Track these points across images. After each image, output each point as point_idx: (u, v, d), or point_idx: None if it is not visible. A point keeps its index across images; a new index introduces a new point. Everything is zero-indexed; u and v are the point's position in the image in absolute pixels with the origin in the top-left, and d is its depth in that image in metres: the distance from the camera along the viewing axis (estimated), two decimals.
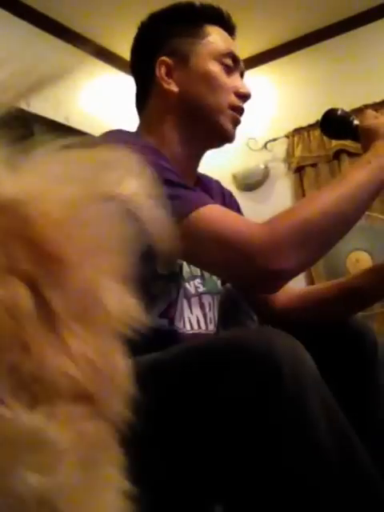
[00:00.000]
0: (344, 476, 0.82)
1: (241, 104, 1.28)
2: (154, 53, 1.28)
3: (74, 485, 0.40)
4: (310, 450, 0.82)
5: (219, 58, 1.26)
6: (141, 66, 1.32)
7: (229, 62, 1.28)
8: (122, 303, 0.48)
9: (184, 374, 0.92)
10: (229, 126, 1.27)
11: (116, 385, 0.47)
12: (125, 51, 4.12)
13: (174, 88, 1.25)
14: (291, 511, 0.82)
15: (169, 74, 1.26)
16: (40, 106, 3.70)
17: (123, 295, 0.49)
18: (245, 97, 1.29)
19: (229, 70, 1.28)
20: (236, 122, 1.28)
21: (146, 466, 0.99)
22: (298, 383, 0.83)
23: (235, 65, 1.29)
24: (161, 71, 1.26)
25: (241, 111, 1.29)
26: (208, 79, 1.25)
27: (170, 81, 1.25)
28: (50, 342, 0.39)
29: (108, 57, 4.25)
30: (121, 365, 0.49)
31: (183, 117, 1.26)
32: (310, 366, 0.87)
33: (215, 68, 1.26)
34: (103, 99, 4.22)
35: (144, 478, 1.00)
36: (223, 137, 1.28)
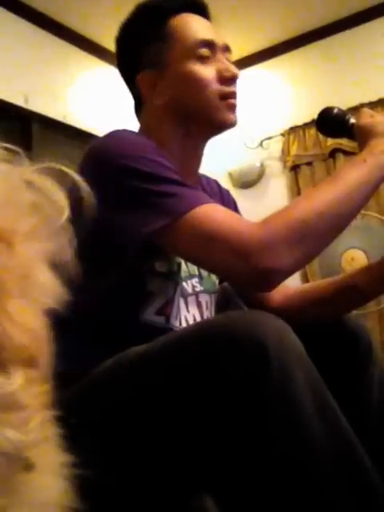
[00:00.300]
0: (330, 451, 0.83)
1: (229, 89, 1.24)
2: (133, 71, 1.27)
3: (41, 440, 0.50)
4: (297, 427, 0.83)
5: (191, 52, 1.22)
6: (127, 81, 1.32)
7: (202, 51, 1.23)
8: (50, 282, 0.56)
9: (171, 358, 0.94)
10: (226, 114, 1.24)
11: (48, 351, 0.52)
12: None
13: (160, 100, 1.24)
14: (280, 490, 0.82)
15: (152, 87, 1.25)
16: (38, 103, 3.71)
17: (51, 275, 0.56)
18: (231, 79, 1.24)
19: (206, 59, 1.23)
20: (231, 108, 1.25)
21: (135, 453, 1.00)
22: (283, 362, 0.84)
23: (212, 50, 1.25)
24: (144, 88, 1.26)
25: (232, 95, 1.25)
26: (187, 80, 1.22)
27: (154, 94, 1.24)
28: (4, 315, 0.45)
29: (107, 55, 4.25)
30: (47, 334, 0.54)
31: (177, 122, 1.25)
32: (296, 345, 0.88)
33: (190, 66, 1.22)
34: (102, 97, 4.23)
35: (133, 465, 1.02)
36: (224, 127, 1.26)
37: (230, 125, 1.26)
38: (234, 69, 1.25)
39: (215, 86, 1.22)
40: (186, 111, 1.24)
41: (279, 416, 0.83)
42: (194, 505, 1.10)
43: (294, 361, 0.86)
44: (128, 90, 1.34)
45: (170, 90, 1.24)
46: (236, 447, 0.85)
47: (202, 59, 1.23)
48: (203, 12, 1.30)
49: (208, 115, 1.23)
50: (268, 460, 0.83)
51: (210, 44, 1.24)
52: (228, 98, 1.24)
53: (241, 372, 0.84)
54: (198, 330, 0.96)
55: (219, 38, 1.27)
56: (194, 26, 1.26)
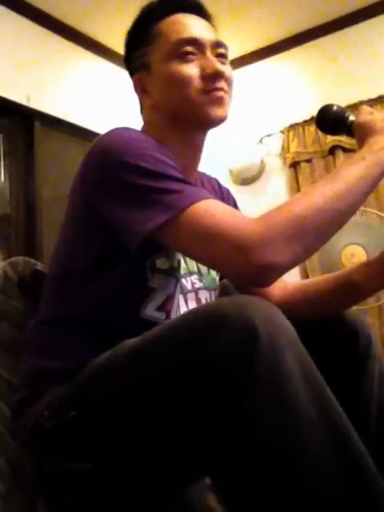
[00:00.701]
0: (321, 433, 0.83)
1: (212, 85, 1.22)
2: (131, 73, 1.32)
3: None
4: (287, 408, 0.83)
5: (173, 53, 1.22)
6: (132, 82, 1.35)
7: (187, 49, 1.22)
8: None
9: (164, 346, 0.95)
10: (210, 109, 1.21)
11: None
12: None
13: (150, 101, 1.27)
14: (270, 471, 0.83)
15: (144, 89, 1.28)
16: (40, 101, 3.72)
17: None
18: (213, 75, 1.22)
19: (189, 57, 1.22)
20: (216, 102, 1.22)
21: (133, 443, 1.01)
22: (273, 342, 0.85)
23: (196, 46, 1.23)
24: (138, 89, 1.29)
25: (216, 90, 1.22)
26: (169, 81, 1.22)
27: (146, 95, 1.28)
28: None
29: (109, 54, 4.27)
30: None
31: (169, 121, 1.26)
32: (286, 327, 0.89)
33: (172, 66, 1.22)
34: (103, 96, 4.25)
35: (130, 456, 1.02)
36: (210, 122, 1.24)
37: (218, 119, 1.23)
38: (216, 64, 1.22)
39: (196, 83, 1.21)
40: (173, 110, 1.25)
41: (269, 396, 0.84)
42: (200, 504, 1.11)
43: (284, 342, 0.86)
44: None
45: (156, 90, 1.26)
46: (228, 429, 0.86)
47: (185, 58, 1.22)
48: (198, 11, 1.29)
49: (192, 113, 1.22)
50: (258, 440, 0.83)
51: (193, 42, 1.23)
52: (214, 92, 1.21)
53: (231, 353, 0.85)
54: (189, 316, 0.97)
55: (208, 35, 1.25)
56: (179, 26, 1.25)
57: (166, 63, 1.23)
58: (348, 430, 0.86)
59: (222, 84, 1.22)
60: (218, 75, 1.22)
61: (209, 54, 1.24)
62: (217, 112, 1.22)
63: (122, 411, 1.00)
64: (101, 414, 1.02)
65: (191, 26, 1.25)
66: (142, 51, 1.28)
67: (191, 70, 1.21)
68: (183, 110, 1.23)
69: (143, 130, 1.32)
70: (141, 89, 1.29)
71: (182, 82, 1.21)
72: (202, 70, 1.22)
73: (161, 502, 1.11)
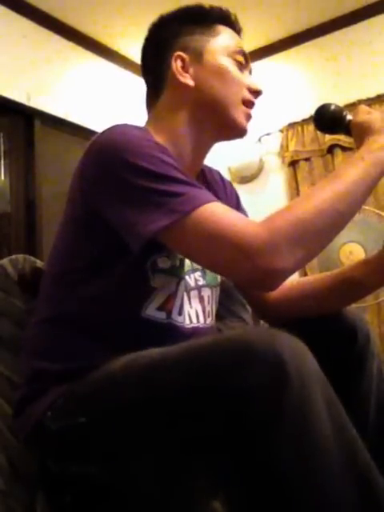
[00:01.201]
0: (345, 476, 0.82)
1: (253, 98, 1.30)
2: (168, 50, 1.29)
3: None
4: (313, 447, 0.82)
5: (231, 54, 1.28)
6: (154, 63, 1.32)
7: (240, 58, 1.30)
8: None
9: (187, 368, 0.93)
10: (243, 120, 1.28)
11: None
12: (124, 48, 4.15)
13: (190, 82, 1.26)
14: (294, 507, 0.81)
15: (184, 68, 1.27)
16: (41, 101, 3.73)
17: None
18: (257, 93, 1.31)
19: (240, 67, 1.29)
20: (249, 117, 1.30)
21: (146, 458, 1.00)
22: (303, 380, 0.83)
23: (246, 63, 1.31)
24: (177, 66, 1.27)
25: (252, 105, 1.31)
26: (222, 74, 1.26)
27: (186, 75, 1.26)
28: None
29: (108, 54, 4.28)
30: None
31: (197, 110, 1.27)
32: (314, 364, 0.87)
33: (228, 63, 1.27)
34: (103, 95, 4.25)
35: (143, 469, 1.02)
36: (237, 131, 1.29)
37: (242, 130, 1.30)
38: (260, 86, 1.31)
39: (243, 90, 1.28)
40: (210, 99, 1.26)
41: (295, 434, 0.82)
42: (202, 507, 1.11)
43: (314, 382, 0.85)
44: (147, 75, 1.36)
45: (202, 74, 1.27)
46: (247, 461, 0.84)
47: (238, 64, 1.29)
48: (239, 34, 1.37)
49: (228, 111, 1.26)
50: (280, 478, 0.82)
51: (246, 57, 1.32)
52: (249, 107, 1.29)
53: (259, 387, 0.83)
54: (214, 344, 0.95)
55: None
56: (237, 38, 1.34)
57: (223, 58, 1.28)
58: (373, 474, 0.85)
59: (254, 101, 1.31)
60: (259, 94, 1.32)
61: (249, 73, 1.33)
62: (245, 124, 1.30)
63: (134, 423, 0.99)
64: (111, 422, 1.01)
65: (243, 45, 1.34)
66: (197, 37, 1.29)
67: (243, 78, 1.30)
68: (221, 105, 1.26)
69: (149, 121, 1.32)
70: (181, 66, 1.27)
71: (235, 82, 1.28)
72: (249, 84, 1.30)
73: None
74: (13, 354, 1.30)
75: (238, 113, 1.27)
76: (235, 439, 0.85)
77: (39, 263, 1.42)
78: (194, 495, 1.09)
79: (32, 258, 1.42)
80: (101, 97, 4.23)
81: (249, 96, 1.29)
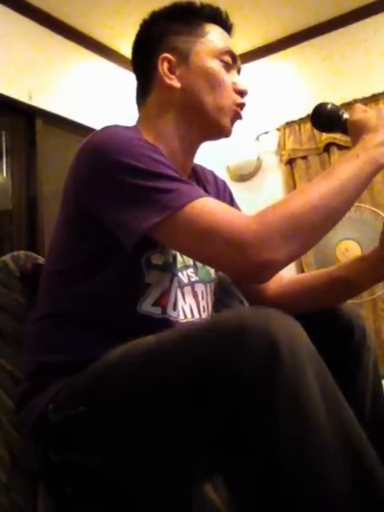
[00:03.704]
0: (339, 450, 0.83)
1: (239, 99, 1.30)
2: (156, 50, 1.29)
3: None
4: (307, 423, 0.82)
5: (218, 55, 1.28)
6: (142, 62, 1.33)
7: (228, 59, 1.29)
8: None
9: (182, 352, 0.94)
10: (227, 122, 1.29)
11: None
12: (124, 48, 4.15)
13: (176, 84, 1.27)
14: (287, 483, 0.82)
15: (171, 70, 1.27)
16: (42, 99, 3.73)
17: None
18: (242, 93, 1.31)
19: (227, 67, 1.29)
20: (236, 118, 1.31)
21: (144, 443, 1.01)
22: (295, 358, 0.84)
23: (233, 62, 1.31)
24: (163, 67, 1.27)
25: (242, 107, 1.31)
26: (208, 76, 1.26)
27: (173, 77, 1.27)
28: None
29: (109, 53, 4.28)
30: None
31: (183, 112, 1.28)
32: (307, 342, 0.88)
33: (215, 65, 1.27)
34: (103, 94, 4.27)
35: (141, 456, 1.03)
36: (220, 132, 1.30)
37: (226, 132, 1.31)
38: (246, 85, 1.31)
39: (230, 92, 1.29)
40: (195, 101, 1.27)
41: (289, 412, 0.82)
42: (198, 495, 1.11)
43: (306, 358, 0.85)
44: (136, 74, 1.36)
45: (188, 76, 1.27)
46: (245, 441, 0.85)
47: (225, 65, 1.29)
48: (230, 33, 1.36)
49: (213, 113, 1.27)
50: (276, 455, 0.82)
51: (234, 57, 1.32)
52: (236, 107, 1.30)
53: (252, 367, 0.84)
54: (208, 325, 0.96)
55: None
56: (225, 38, 1.33)
57: (209, 60, 1.28)
58: (365, 447, 0.85)
59: (243, 102, 1.32)
60: (245, 94, 1.32)
61: (236, 72, 1.33)
62: (230, 126, 1.31)
63: (134, 410, 0.99)
64: (111, 411, 1.02)
65: (232, 44, 1.33)
66: (184, 37, 1.29)
67: (229, 78, 1.30)
68: (207, 107, 1.27)
69: (139, 122, 1.33)
70: (168, 68, 1.28)
71: (221, 84, 1.28)
72: (235, 84, 1.30)
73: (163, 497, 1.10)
74: (15, 348, 1.31)
75: (224, 115, 1.28)
76: (231, 420, 0.85)
77: (41, 260, 1.42)
78: (192, 478, 1.10)
79: (33, 255, 1.43)
80: (101, 96, 4.24)
81: (237, 98, 1.30)
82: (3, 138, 3.71)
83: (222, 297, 1.58)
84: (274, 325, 0.86)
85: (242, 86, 1.31)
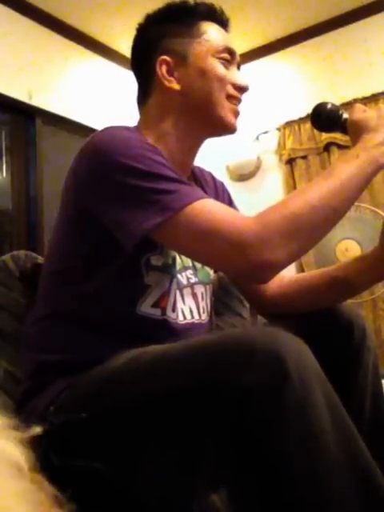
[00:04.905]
0: (345, 470, 0.82)
1: (238, 95, 1.30)
2: (154, 52, 1.29)
3: None
4: (314, 446, 0.82)
5: (216, 53, 1.28)
6: (141, 65, 1.33)
7: (226, 56, 1.29)
8: None
9: (189, 366, 0.93)
10: (230, 117, 1.28)
11: None
12: (124, 47, 4.16)
13: (176, 85, 1.27)
14: (294, 503, 0.82)
15: (169, 72, 1.27)
16: (42, 99, 3.73)
17: None
18: (242, 88, 1.31)
19: (226, 64, 1.29)
20: (236, 113, 1.30)
21: (146, 455, 0.99)
22: (303, 380, 0.83)
23: (232, 58, 1.31)
24: (162, 70, 1.27)
25: (238, 102, 1.31)
26: (208, 74, 1.26)
27: (171, 79, 1.27)
28: None
29: (109, 53, 4.28)
30: None
31: (183, 113, 1.28)
32: (314, 364, 0.87)
33: (214, 63, 1.27)
34: (103, 94, 4.27)
35: (143, 466, 1.02)
36: (226, 129, 1.30)
37: (230, 127, 1.30)
38: (246, 81, 1.31)
39: (227, 86, 1.28)
40: (196, 101, 1.27)
41: (296, 430, 0.82)
42: (202, 503, 1.10)
43: (313, 378, 0.85)
44: (136, 77, 1.36)
45: (187, 77, 1.27)
46: (250, 456, 0.84)
47: (224, 62, 1.29)
48: (226, 28, 1.36)
49: (215, 112, 1.27)
50: (281, 472, 0.82)
51: (232, 53, 1.31)
52: (233, 102, 1.29)
53: (260, 386, 0.83)
54: (217, 341, 0.95)
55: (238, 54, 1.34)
56: (222, 35, 1.32)
57: (207, 59, 1.27)
58: (372, 469, 0.85)
59: (241, 98, 1.31)
60: (245, 89, 1.31)
61: (236, 68, 1.33)
62: (233, 121, 1.30)
63: (137, 419, 0.98)
64: (114, 418, 1.01)
65: (229, 39, 1.33)
66: (180, 39, 1.29)
67: (228, 75, 1.29)
68: (207, 105, 1.27)
69: (140, 123, 1.33)
70: (166, 70, 1.28)
71: (219, 81, 1.27)
72: (234, 79, 1.29)
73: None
74: (15, 348, 1.31)
75: (224, 110, 1.28)
76: (237, 436, 0.85)
77: (40, 259, 1.43)
78: (195, 490, 1.10)
79: (33, 255, 1.43)
80: (101, 95, 4.25)
81: (234, 92, 1.29)
82: (3, 138, 3.72)
83: (221, 296, 1.58)
84: (282, 345, 0.85)
85: (242, 81, 1.31)
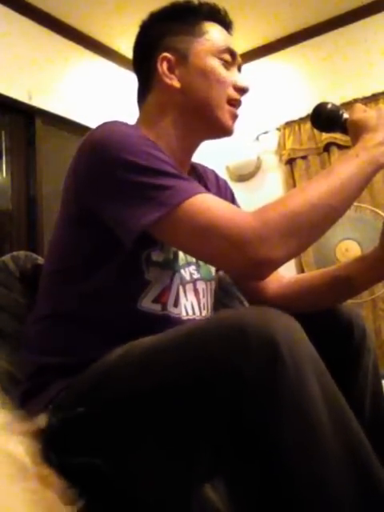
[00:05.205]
0: (340, 451, 0.83)
1: (238, 97, 1.30)
2: (155, 50, 1.29)
3: None
4: (310, 428, 0.82)
5: (217, 54, 1.28)
6: (142, 62, 1.33)
7: (227, 57, 1.29)
8: None
9: (181, 353, 0.94)
10: (228, 120, 1.28)
11: None
12: (124, 47, 4.16)
13: (176, 83, 1.27)
14: (287, 483, 0.82)
15: (170, 69, 1.27)
16: (41, 99, 3.73)
17: None
18: (243, 90, 1.31)
19: (227, 65, 1.29)
20: (234, 116, 1.30)
21: (143, 445, 1.00)
22: (296, 360, 0.84)
23: (233, 59, 1.31)
24: (163, 67, 1.27)
25: (238, 104, 1.31)
26: (208, 74, 1.26)
27: (172, 76, 1.27)
28: None
29: (109, 53, 4.28)
30: None
31: (183, 111, 1.27)
32: (307, 343, 0.88)
33: (214, 63, 1.27)
34: (103, 94, 4.27)
35: (140, 457, 1.02)
36: (222, 131, 1.30)
37: (228, 131, 1.30)
38: (247, 82, 1.31)
39: (228, 88, 1.28)
40: (196, 100, 1.27)
41: (291, 414, 0.82)
42: (199, 496, 1.10)
43: (306, 359, 0.85)
44: (137, 74, 1.36)
45: (188, 76, 1.27)
46: (246, 443, 0.85)
47: (225, 63, 1.29)
48: (229, 30, 1.36)
49: (213, 113, 1.26)
50: (277, 458, 0.82)
51: (233, 54, 1.31)
52: (234, 105, 1.29)
53: (253, 369, 0.84)
54: (208, 325, 0.96)
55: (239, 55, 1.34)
56: (224, 35, 1.32)
57: (208, 58, 1.28)
58: (366, 450, 0.85)
59: (239, 98, 1.31)
60: (246, 91, 1.31)
61: (237, 69, 1.33)
62: (230, 124, 1.30)
63: (134, 411, 0.98)
64: (112, 412, 1.01)
65: (231, 40, 1.33)
66: (182, 37, 1.29)
67: (229, 76, 1.29)
68: (206, 105, 1.27)
69: (140, 120, 1.33)
70: (167, 67, 1.28)
71: (220, 81, 1.27)
72: (235, 81, 1.29)
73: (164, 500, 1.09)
74: (14, 348, 1.31)
75: (224, 114, 1.28)
76: (233, 422, 0.85)
77: (40, 260, 1.42)
78: (193, 482, 1.10)
79: (33, 255, 1.43)
80: (101, 95, 4.25)
81: (234, 94, 1.29)
82: (2, 138, 3.72)
83: (221, 296, 1.58)
84: (274, 325, 0.86)
85: (242, 83, 1.31)
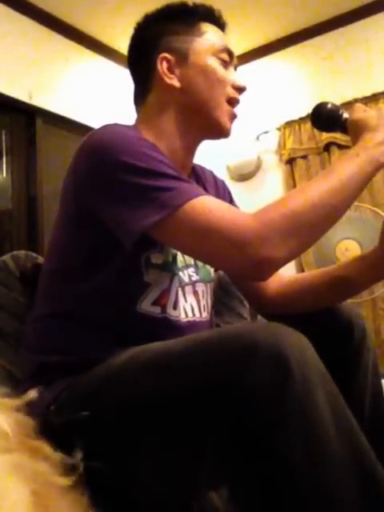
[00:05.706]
0: (347, 468, 0.82)
1: (237, 96, 1.31)
2: (153, 50, 1.29)
3: None
4: (317, 442, 0.82)
5: (216, 53, 1.29)
6: (140, 63, 1.33)
7: (225, 56, 1.30)
8: None
9: (190, 364, 0.93)
10: (226, 121, 1.29)
11: None
12: (124, 47, 4.16)
13: (177, 83, 1.27)
14: (295, 500, 0.81)
15: (170, 69, 1.28)
16: (42, 99, 3.73)
17: None
18: (241, 89, 1.32)
19: (225, 65, 1.30)
20: (233, 116, 1.31)
21: (147, 452, 0.99)
22: (305, 376, 0.83)
23: (230, 59, 1.32)
24: (163, 67, 1.28)
25: (237, 103, 1.32)
26: (208, 74, 1.27)
27: (172, 76, 1.27)
28: None
29: (109, 52, 4.29)
30: None
31: (183, 111, 1.28)
32: (316, 360, 0.87)
33: (213, 63, 1.28)
34: (103, 93, 4.27)
35: (144, 464, 1.02)
36: (220, 131, 1.30)
37: (226, 131, 1.31)
38: (244, 82, 1.32)
39: (227, 88, 1.29)
40: (196, 100, 1.27)
41: (299, 428, 0.82)
42: (204, 503, 1.10)
43: (315, 374, 0.85)
44: (134, 75, 1.36)
45: (188, 75, 1.28)
46: (252, 454, 0.84)
47: (223, 62, 1.30)
48: (223, 31, 1.37)
49: (212, 113, 1.27)
50: (283, 470, 0.82)
51: (231, 54, 1.32)
52: (232, 104, 1.30)
53: (262, 382, 0.83)
54: (218, 337, 0.94)
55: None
56: (221, 36, 1.34)
57: (207, 58, 1.29)
58: (376, 469, 0.84)
59: (237, 97, 1.32)
60: (243, 90, 1.33)
61: (233, 69, 1.34)
62: (228, 124, 1.30)
63: (138, 417, 0.98)
64: (115, 417, 1.01)
65: (228, 41, 1.34)
66: (182, 37, 1.30)
67: (227, 75, 1.30)
68: (205, 106, 1.28)
69: (138, 121, 1.33)
70: (167, 67, 1.28)
71: (220, 81, 1.28)
72: (233, 80, 1.31)
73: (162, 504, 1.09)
74: (15, 348, 1.31)
75: (223, 115, 1.29)
76: (238, 434, 0.85)
77: (40, 259, 1.43)
78: (195, 489, 1.10)
79: (33, 254, 1.43)
80: (101, 95, 4.26)
81: (233, 93, 1.30)
82: (3, 138, 3.72)
83: (221, 296, 1.58)
84: (284, 341, 0.85)
85: (240, 82, 1.32)
